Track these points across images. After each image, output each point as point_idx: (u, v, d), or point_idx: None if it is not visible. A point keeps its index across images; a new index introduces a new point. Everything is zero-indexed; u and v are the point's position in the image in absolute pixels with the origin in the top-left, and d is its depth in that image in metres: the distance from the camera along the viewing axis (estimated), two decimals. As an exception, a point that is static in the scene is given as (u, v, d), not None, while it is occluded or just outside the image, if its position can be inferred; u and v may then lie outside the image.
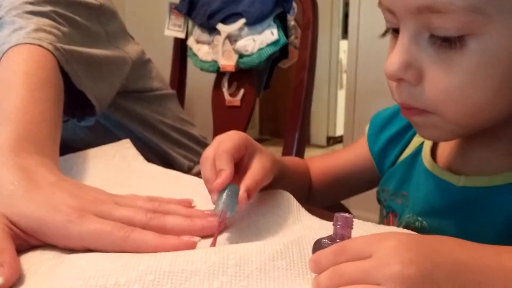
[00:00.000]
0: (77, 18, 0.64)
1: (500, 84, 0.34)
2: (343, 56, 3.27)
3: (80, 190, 0.37)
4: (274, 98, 3.06)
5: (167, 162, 0.85)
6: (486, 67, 0.33)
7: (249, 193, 0.37)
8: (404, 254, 0.25)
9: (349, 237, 0.30)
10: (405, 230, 0.36)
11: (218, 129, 1.14)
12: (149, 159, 0.83)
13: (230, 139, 0.41)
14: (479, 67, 0.33)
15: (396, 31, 0.37)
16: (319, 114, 3.60)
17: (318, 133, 3.65)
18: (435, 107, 0.35)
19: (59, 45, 0.56)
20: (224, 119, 1.11)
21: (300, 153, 0.98)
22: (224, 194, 0.36)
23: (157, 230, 0.35)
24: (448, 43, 0.33)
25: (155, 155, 0.84)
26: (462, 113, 0.35)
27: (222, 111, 1.11)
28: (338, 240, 0.30)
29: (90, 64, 0.63)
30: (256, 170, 0.40)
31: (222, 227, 0.36)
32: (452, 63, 0.33)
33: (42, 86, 0.49)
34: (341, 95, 3.24)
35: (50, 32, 0.57)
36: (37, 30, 0.56)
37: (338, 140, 3.51)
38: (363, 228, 0.36)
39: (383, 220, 0.54)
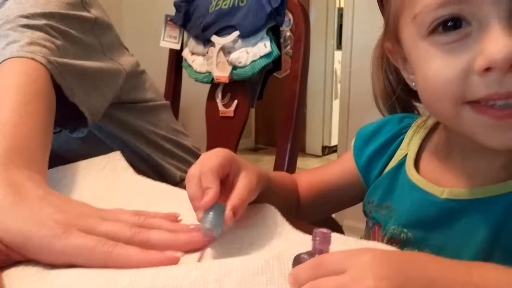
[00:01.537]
0: (72, 31, 0.65)
1: None
2: (338, 66, 3.30)
3: (67, 204, 0.38)
4: (270, 108, 3.08)
5: (160, 173, 0.86)
6: None
7: (235, 211, 0.37)
8: (378, 269, 0.26)
9: (327, 252, 0.31)
10: (385, 246, 0.37)
11: (212, 140, 1.14)
12: (141, 170, 0.84)
13: (216, 156, 0.41)
14: None
15: (449, 28, 0.35)
16: (315, 124, 3.62)
17: (313, 142, 3.67)
18: None
19: (52, 58, 0.57)
20: (218, 130, 1.12)
21: (292, 164, 0.99)
22: (211, 213, 0.36)
23: (141, 244, 0.35)
24: None
25: (148, 166, 0.85)
26: None
27: (215, 121, 1.12)
28: (317, 255, 0.31)
29: (83, 77, 0.64)
30: (241, 187, 0.40)
31: (207, 245, 0.37)
32: None
33: (34, 100, 0.50)
34: (336, 105, 3.26)
35: (43, 46, 0.58)
36: (31, 43, 0.57)
37: (333, 149, 3.53)
38: (344, 243, 0.36)
39: (369, 231, 0.54)
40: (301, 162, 3.53)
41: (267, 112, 3.48)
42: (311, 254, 0.31)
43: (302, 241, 0.37)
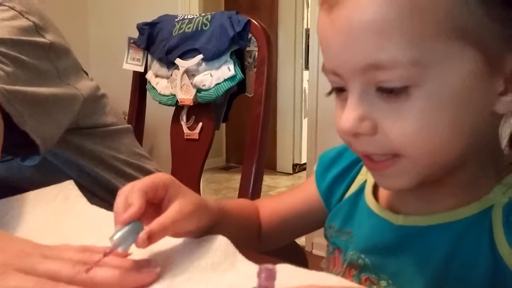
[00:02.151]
0: (24, 57, 0.63)
1: (450, 125, 0.36)
2: (307, 85, 3.37)
3: (6, 242, 0.36)
4: (240, 127, 3.09)
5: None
6: (433, 111, 0.35)
7: (150, 235, 0.37)
8: None
9: (272, 288, 0.31)
10: (334, 277, 0.37)
11: (177, 162, 1.13)
12: (101, 197, 0.81)
13: (151, 178, 0.41)
14: (426, 112, 0.35)
15: (340, 90, 0.39)
16: (285, 142, 3.66)
17: (284, 160, 3.70)
18: (398, 150, 0.37)
19: (0, 85, 0.56)
20: (183, 152, 1.11)
21: (257, 185, 0.99)
22: (124, 229, 0.36)
23: (84, 284, 0.34)
24: (394, 94, 0.35)
25: (108, 192, 0.82)
26: (424, 154, 0.37)
27: (180, 144, 1.11)
28: (262, 292, 0.30)
29: (35, 104, 0.62)
30: (169, 214, 0.39)
31: (155, 281, 0.36)
32: (401, 111, 0.35)
33: None
34: (306, 123, 3.32)
35: None
36: None
37: (304, 167, 3.56)
38: (293, 276, 0.36)
39: (330, 256, 0.55)
40: (272, 180, 3.56)
41: (238, 131, 3.49)
42: (256, 291, 0.31)
43: (253, 274, 0.37)
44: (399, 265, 0.43)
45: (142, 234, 0.36)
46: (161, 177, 0.41)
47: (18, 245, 0.37)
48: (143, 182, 0.40)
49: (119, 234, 0.36)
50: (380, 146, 0.37)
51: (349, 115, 0.37)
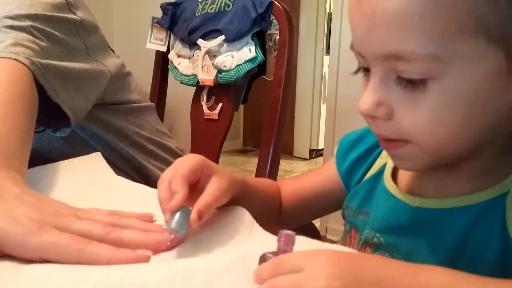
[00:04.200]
0: (56, 33, 0.66)
1: (462, 121, 0.36)
2: (327, 71, 3.34)
3: (43, 203, 0.39)
4: (258, 110, 3.10)
5: (143, 174, 0.87)
6: (447, 106, 0.36)
7: (200, 214, 0.39)
8: (330, 269, 0.28)
9: (291, 252, 0.33)
10: (344, 248, 0.39)
11: (196, 141, 1.16)
12: (125, 171, 0.85)
13: (187, 162, 0.43)
14: (441, 106, 0.36)
15: (367, 70, 0.40)
16: (303, 127, 3.65)
17: (301, 145, 3.70)
18: (409, 137, 0.38)
19: (35, 59, 0.58)
20: (202, 132, 1.13)
21: (274, 168, 1.01)
22: (177, 216, 0.39)
23: (114, 243, 0.36)
24: (412, 84, 0.36)
25: (131, 167, 0.85)
26: (433, 145, 0.38)
27: (200, 124, 1.13)
28: (280, 255, 0.32)
29: (67, 78, 0.65)
30: (210, 191, 0.42)
31: (174, 245, 0.38)
32: (417, 102, 0.36)
33: (15, 100, 0.51)
34: (325, 109, 3.31)
35: (28, 47, 0.59)
36: (15, 44, 0.58)
37: (320, 153, 3.56)
38: (308, 245, 0.38)
39: (346, 235, 0.56)
40: (288, 165, 3.58)
41: (256, 114, 3.50)
42: (275, 253, 0.33)
43: (270, 243, 0.39)
44: (413, 245, 0.45)
45: (193, 215, 0.39)
46: (195, 160, 0.44)
47: (54, 206, 0.40)
48: (182, 169, 0.42)
49: (174, 222, 0.39)
50: (393, 131, 0.39)
51: (367, 98, 0.38)
